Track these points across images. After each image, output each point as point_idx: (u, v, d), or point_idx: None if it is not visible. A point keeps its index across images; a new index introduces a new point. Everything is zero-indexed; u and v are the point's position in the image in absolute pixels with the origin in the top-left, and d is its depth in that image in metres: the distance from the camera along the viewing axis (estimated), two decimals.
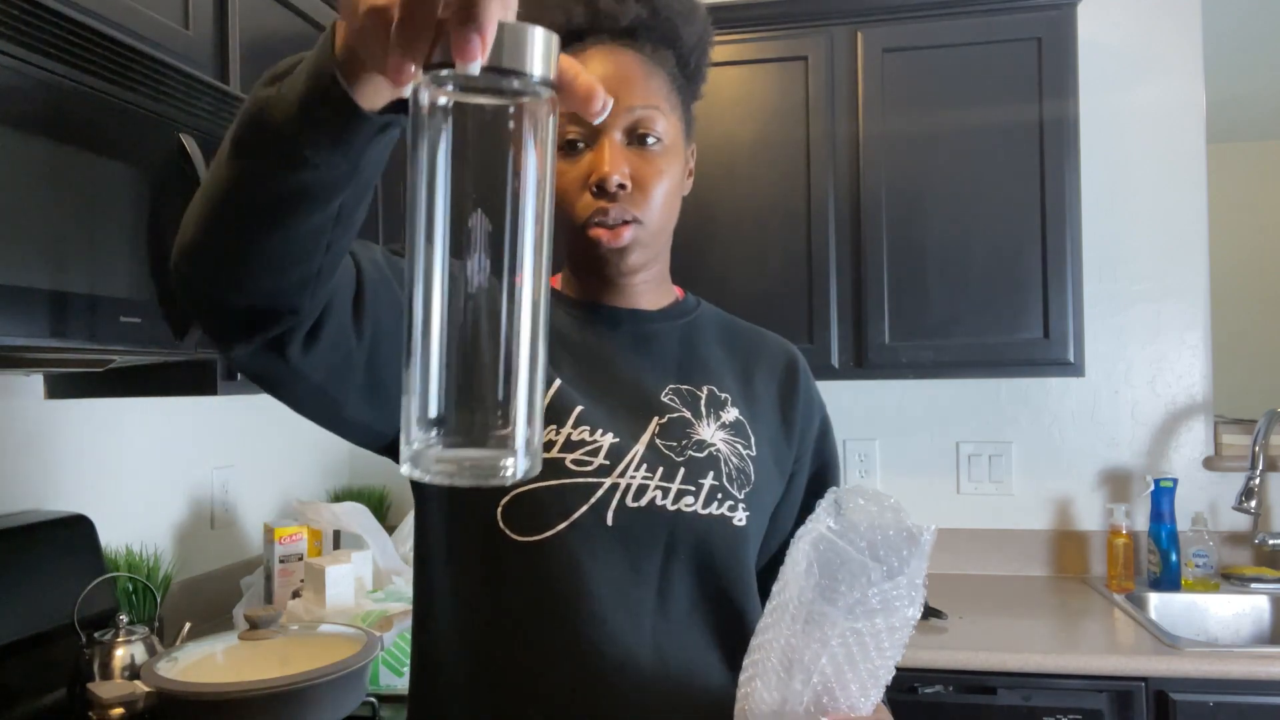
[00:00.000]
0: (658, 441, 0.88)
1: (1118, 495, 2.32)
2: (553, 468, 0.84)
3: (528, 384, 0.43)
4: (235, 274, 0.62)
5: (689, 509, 0.87)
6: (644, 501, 0.86)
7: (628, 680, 0.82)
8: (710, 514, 0.87)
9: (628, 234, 0.88)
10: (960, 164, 2.05)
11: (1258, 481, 2.09)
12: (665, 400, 0.91)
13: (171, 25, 1.38)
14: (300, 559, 1.89)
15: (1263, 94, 3.90)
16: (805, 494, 1.01)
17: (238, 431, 2.13)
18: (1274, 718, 1.64)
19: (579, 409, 0.86)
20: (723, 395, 0.94)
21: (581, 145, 0.87)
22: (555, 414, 0.86)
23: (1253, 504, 2.09)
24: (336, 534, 2.06)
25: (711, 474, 0.88)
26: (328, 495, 2.50)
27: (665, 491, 0.86)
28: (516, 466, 0.43)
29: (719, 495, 0.88)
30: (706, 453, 0.89)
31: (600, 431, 0.86)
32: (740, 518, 0.89)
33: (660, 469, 0.87)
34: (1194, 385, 2.32)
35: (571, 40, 0.90)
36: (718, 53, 2.21)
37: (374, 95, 0.53)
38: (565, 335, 0.93)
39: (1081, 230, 2.04)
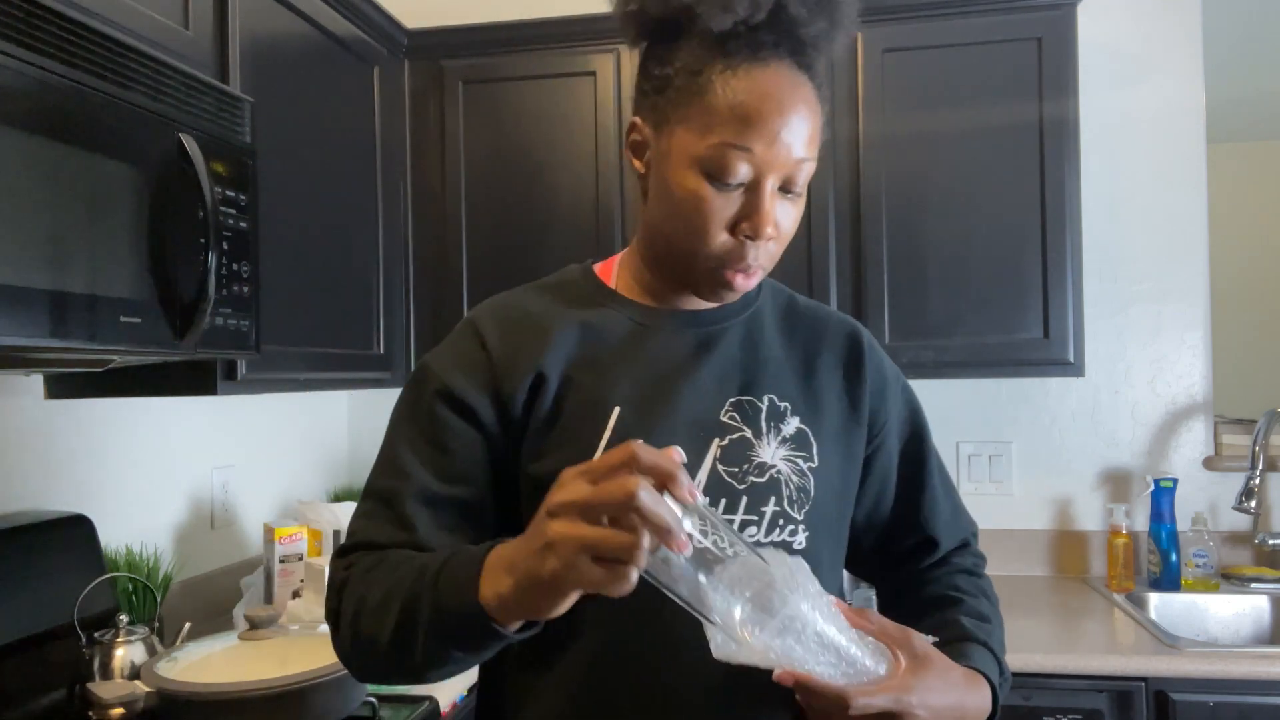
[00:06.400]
0: (720, 468, 0.87)
1: (1118, 495, 2.32)
2: None
3: None
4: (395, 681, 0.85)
5: (752, 539, 0.86)
6: None
7: (702, 716, 0.83)
8: (772, 541, 0.87)
9: (758, 278, 0.89)
10: (960, 164, 2.05)
11: (1258, 481, 2.09)
12: (725, 420, 0.89)
13: (171, 25, 1.38)
14: (300, 559, 1.89)
15: (1263, 94, 3.90)
16: (901, 462, 1.01)
17: (238, 431, 2.13)
18: (1274, 718, 1.64)
19: (640, 441, 0.86)
20: (783, 405, 0.92)
21: (735, 182, 0.82)
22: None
23: (1253, 504, 2.09)
24: (336, 534, 2.06)
25: (773, 499, 0.88)
26: (328, 495, 2.49)
27: (731, 523, 0.86)
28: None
29: (780, 520, 0.88)
30: (767, 476, 0.89)
31: None
32: (799, 541, 0.89)
33: (724, 500, 0.86)
34: (1194, 385, 2.32)
35: (744, 38, 0.81)
36: None
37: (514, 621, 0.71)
38: (626, 346, 0.91)
39: (1081, 230, 2.03)
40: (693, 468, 0.85)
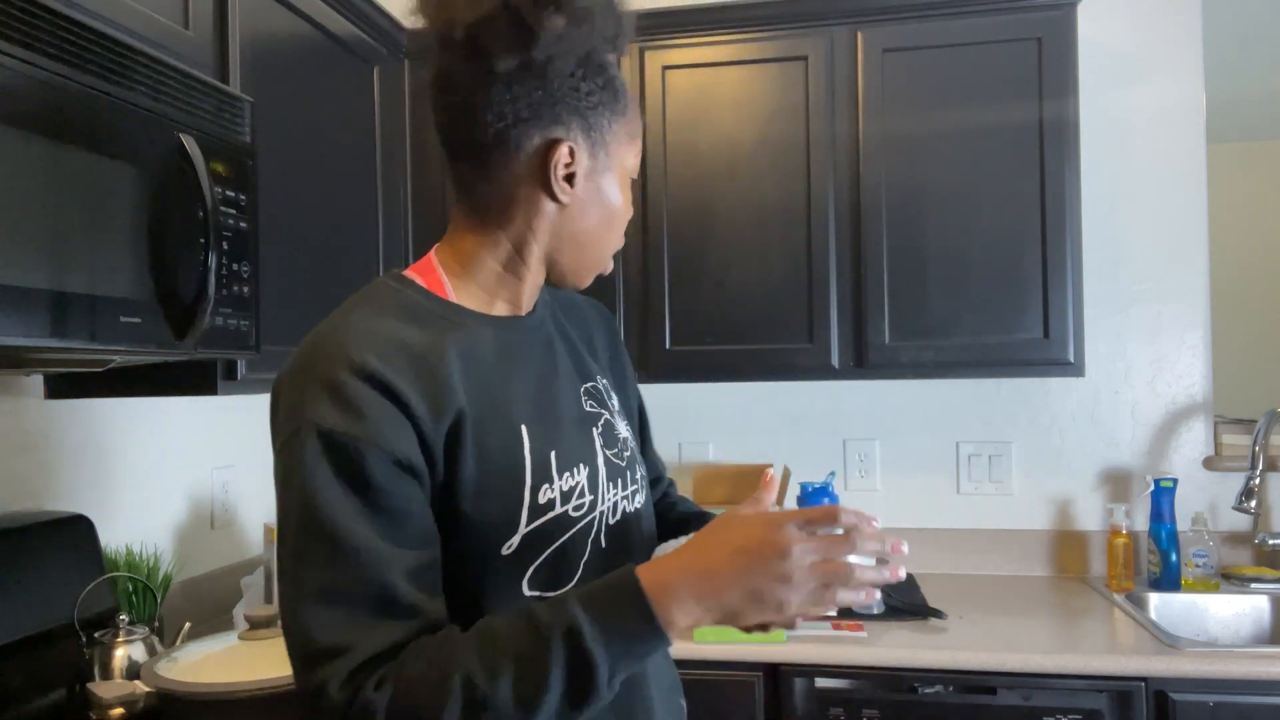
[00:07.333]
0: (607, 454, 0.94)
1: (1118, 495, 2.32)
2: (563, 523, 0.87)
3: None
4: None
5: (640, 504, 0.97)
6: (619, 515, 0.94)
7: (647, 679, 0.93)
8: (644, 501, 0.99)
9: None
10: (960, 164, 2.05)
11: (1258, 481, 2.09)
12: (589, 409, 0.96)
13: (171, 25, 1.38)
14: None
15: (1263, 94, 3.90)
16: (638, 422, 1.13)
17: (238, 431, 2.13)
18: (1274, 718, 1.64)
19: (553, 454, 0.88)
20: (603, 382, 1.01)
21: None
22: (541, 471, 0.86)
23: (1253, 504, 2.09)
24: None
25: (638, 467, 0.99)
26: None
27: (627, 498, 0.95)
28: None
29: (639, 485, 0.99)
30: (630, 450, 0.98)
31: (577, 469, 0.90)
32: (643, 498, 1.00)
33: (619, 480, 0.94)
34: (1194, 385, 2.32)
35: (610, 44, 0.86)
36: (718, 53, 2.22)
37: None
38: (502, 364, 0.89)
39: (1081, 230, 2.03)
40: (589, 458, 0.92)
